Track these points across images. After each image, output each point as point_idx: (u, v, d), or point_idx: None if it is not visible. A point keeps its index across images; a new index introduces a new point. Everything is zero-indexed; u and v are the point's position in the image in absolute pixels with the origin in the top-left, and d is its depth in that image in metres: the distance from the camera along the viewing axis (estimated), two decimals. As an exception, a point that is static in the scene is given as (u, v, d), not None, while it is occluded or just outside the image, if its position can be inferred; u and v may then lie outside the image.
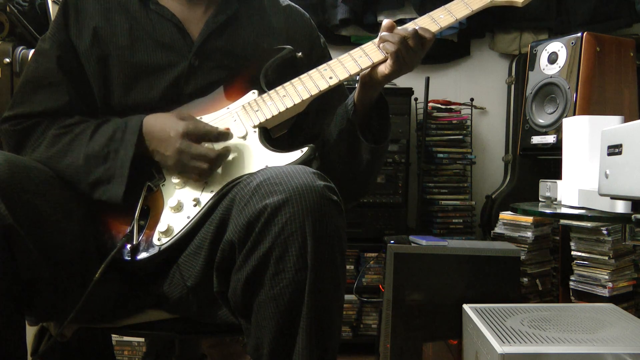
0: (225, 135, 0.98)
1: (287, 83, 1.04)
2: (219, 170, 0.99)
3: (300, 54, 1.10)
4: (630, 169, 0.89)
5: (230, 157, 0.99)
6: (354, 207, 2.12)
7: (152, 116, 1.00)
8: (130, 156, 0.97)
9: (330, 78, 1.02)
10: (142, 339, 1.94)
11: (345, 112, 1.07)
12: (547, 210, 1.48)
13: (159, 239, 0.95)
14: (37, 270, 0.87)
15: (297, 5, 1.22)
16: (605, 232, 1.75)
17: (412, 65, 1.00)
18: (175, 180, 0.99)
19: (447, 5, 1.05)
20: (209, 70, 1.08)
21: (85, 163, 0.98)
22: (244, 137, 1.01)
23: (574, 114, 1.88)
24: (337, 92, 1.13)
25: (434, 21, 1.03)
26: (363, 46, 1.03)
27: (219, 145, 0.99)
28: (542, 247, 2.04)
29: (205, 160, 0.96)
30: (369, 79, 1.03)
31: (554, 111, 1.98)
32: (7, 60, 1.53)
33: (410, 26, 1.00)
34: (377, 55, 1.01)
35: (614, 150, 0.95)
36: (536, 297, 2.01)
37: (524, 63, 2.38)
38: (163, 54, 1.06)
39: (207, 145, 0.97)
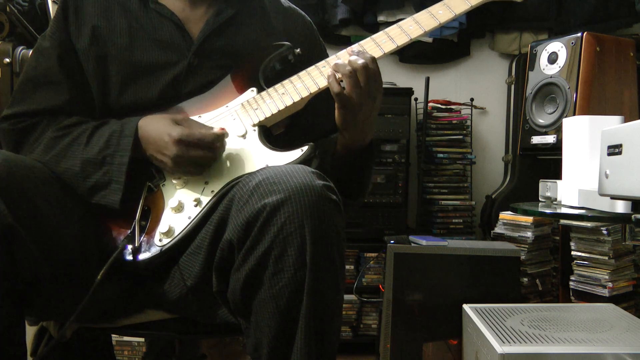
0: (221, 137, 0.97)
1: (286, 81, 1.04)
2: (219, 170, 0.98)
3: (298, 50, 1.10)
4: (630, 169, 0.89)
5: (230, 156, 0.99)
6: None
7: (146, 119, 1.00)
8: (126, 162, 0.97)
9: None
10: (142, 339, 1.94)
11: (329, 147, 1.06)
12: (547, 210, 1.48)
13: (160, 240, 0.95)
14: (37, 270, 0.87)
15: (298, 8, 1.22)
16: (605, 232, 1.75)
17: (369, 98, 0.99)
18: (175, 180, 0.99)
19: (445, 1, 1.05)
20: (209, 70, 1.07)
21: (82, 168, 0.98)
22: (244, 136, 1.01)
23: (574, 114, 1.88)
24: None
25: (433, 17, 1.03)
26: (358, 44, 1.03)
27: None
28: (542, 247, 2.03)
29: (203, 162, 0.96)
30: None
31: (554, 111, 1.98)
32: (7, 60, 1.53)
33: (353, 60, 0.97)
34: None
35: (614, 150, 0.94)
36: (536, 297, 2.01)
37: (524, 63, 2.37)
38: (162, 53, 1.06)
39: None
